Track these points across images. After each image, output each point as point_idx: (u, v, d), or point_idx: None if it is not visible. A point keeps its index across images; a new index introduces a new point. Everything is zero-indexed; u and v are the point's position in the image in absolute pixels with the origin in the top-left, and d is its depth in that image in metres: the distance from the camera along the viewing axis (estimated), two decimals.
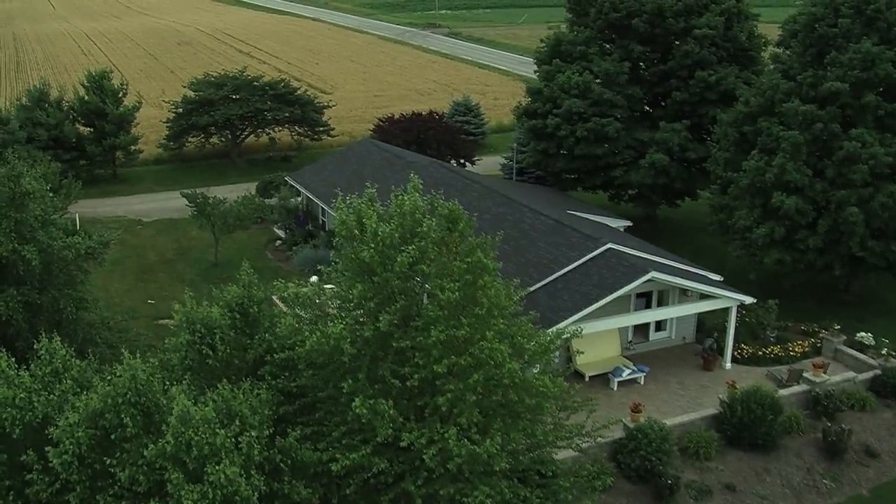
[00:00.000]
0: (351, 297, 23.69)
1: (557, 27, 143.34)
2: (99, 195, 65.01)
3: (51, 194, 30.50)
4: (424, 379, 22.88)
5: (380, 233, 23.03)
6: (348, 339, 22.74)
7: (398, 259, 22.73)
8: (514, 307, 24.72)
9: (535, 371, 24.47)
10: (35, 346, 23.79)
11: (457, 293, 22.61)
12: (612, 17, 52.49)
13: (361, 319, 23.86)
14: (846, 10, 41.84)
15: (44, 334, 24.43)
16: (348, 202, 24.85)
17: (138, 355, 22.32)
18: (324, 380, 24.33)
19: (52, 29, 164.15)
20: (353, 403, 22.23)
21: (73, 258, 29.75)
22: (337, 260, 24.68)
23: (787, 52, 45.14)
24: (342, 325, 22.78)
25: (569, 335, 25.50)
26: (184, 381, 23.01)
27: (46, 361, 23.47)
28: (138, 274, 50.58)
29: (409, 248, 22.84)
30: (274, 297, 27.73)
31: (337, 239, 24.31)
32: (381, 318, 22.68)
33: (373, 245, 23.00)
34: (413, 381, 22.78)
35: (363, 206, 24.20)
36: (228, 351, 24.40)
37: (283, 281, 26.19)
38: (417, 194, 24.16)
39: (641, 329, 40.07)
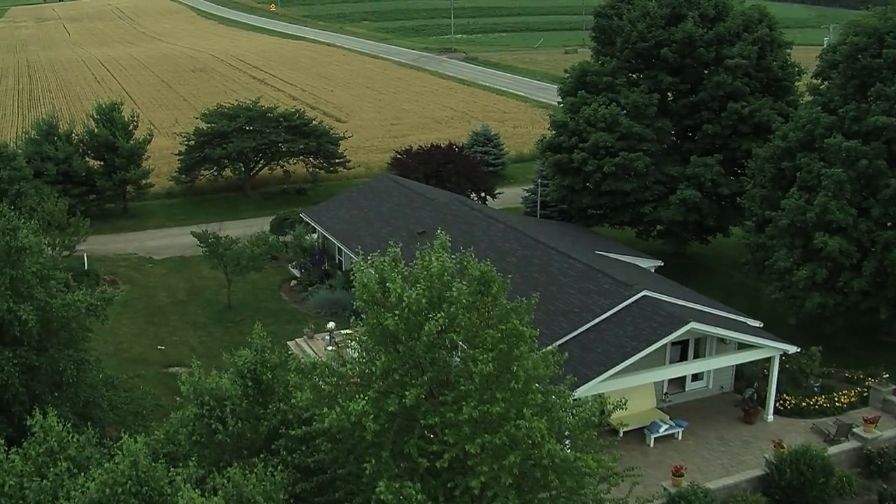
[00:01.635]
0: (374, 367, 21.57)
1: (574, 51, 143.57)
2: (109, 231, 63.15)
3: (48, 247, 28.49)
4: (455, 458, 20.77)
5: (405, 298, 20.97)
6: (371, 415, 20.66)
7: (425, 327, 20.67)
8: (553, 374, 22.58)
9: (568, 444, 22.32)
10: (28, 423, 21.72)
11: (490, 364, 20.50)
12: (640, 47, 50.49)
13: (387, 391, 21.70)
14: (891, 40, 39.64)
15: (42, 401, 22.40)
16: (370, 261, 22.79)
17: (140, 438, 20.19)
18: (344, 453, 22.29)
19: (67, 56, 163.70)
20: (378, 488, 20.13)
21: (73, 316, 27.69)
22: (358, 326, 22.58)
23: (827, 84, 42.92)
24: (364, 402, 20.63)
25: (611, 407, 23.19)
26: (191, 462, 20.94)
27: (41, 440, 21.41)
28: (148, 317, 48.56)
29: (438, 314, 20.78)
30: (290, 345, 25.68)
31: (358, 303, 22.19)
32: (407, 392, 20.57)
33: (397, 312, 20.94)
34: (443, 461, 20.66)
35: (386, 267, 22.11)
36: (240, 425, 22.41)
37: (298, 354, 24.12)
38: (445, 254, 22.07)
39: (677, 379, 37.83)
